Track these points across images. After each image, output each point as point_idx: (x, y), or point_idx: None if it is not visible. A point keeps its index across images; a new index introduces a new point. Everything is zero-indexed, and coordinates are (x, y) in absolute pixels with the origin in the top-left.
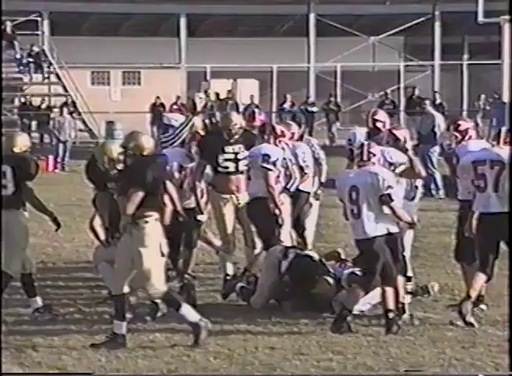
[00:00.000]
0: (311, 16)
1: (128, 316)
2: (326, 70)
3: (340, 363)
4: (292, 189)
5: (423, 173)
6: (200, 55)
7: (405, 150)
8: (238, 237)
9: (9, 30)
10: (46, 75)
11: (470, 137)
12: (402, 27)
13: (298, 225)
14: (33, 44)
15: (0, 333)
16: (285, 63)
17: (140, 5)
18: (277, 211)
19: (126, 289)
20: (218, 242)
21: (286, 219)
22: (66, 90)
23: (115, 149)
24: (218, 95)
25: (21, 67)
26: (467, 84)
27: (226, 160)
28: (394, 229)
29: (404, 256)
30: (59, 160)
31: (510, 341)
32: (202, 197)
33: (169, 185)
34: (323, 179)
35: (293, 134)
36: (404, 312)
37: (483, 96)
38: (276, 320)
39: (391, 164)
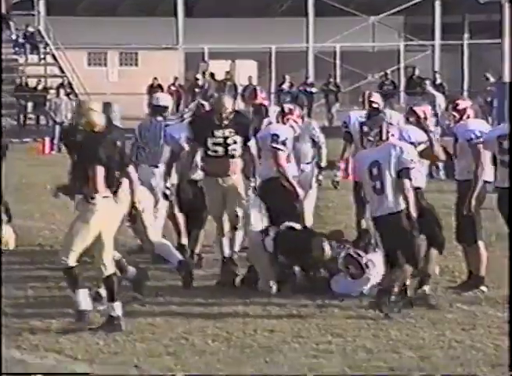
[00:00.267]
0: None
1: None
2: (326, 51)
3: (340, 345)
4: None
5: (442, 156)
6: (197, 36)
7: (425, 129)
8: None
9: (3, 10)
10: (42, 56)
11: (468, 116)
12: (401, 7)
13: None
14: (28, 24)
15: (0, 317)
16: (283, 44)
17: None
18: (300, 192)
19: (111, 269)
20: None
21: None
22: (62, 71)
23: None
24: (212, 75)
25: (17, 48)
26: (468, 64)
27: (215, 144)
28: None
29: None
30: (55, 141)
31: (510, 323)
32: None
33: (131, 168)
34: (323, 164)
35: (297, 115)
36: (406, 294)
37: (491, 78)
38: (275, 303)
39: (410, 143)
